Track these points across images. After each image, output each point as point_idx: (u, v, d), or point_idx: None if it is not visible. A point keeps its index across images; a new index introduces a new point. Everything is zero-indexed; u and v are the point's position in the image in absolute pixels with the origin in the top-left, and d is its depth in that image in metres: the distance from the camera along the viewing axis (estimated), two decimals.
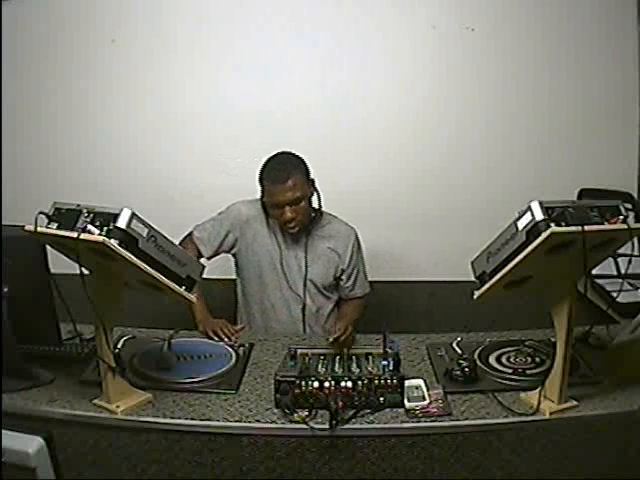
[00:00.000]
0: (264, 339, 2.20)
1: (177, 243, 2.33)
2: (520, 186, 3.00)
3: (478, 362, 1.90)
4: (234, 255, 2.42)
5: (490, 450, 1.68)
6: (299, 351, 1.89)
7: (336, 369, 1.81)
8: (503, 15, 3.07)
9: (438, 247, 3.15)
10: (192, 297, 1.69)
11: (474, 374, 1.83)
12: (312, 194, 2.30)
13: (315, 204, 2.35)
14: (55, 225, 1.55)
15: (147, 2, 3.14)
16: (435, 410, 1.69)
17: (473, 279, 1.70)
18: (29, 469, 1.11)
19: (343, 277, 2.41)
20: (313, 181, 2.30)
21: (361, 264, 2.45)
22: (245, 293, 2.44)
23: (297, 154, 2.29)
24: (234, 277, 2.51)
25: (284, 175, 2.19)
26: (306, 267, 2.34)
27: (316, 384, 1.69)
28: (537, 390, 1.71)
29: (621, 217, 1.55)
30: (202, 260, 2.38)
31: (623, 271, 2.59)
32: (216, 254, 2.39)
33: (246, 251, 2.38)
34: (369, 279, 2.51)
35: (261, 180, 2.25)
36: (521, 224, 1.53)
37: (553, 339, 1.74)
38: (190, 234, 2.39)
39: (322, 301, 2.42)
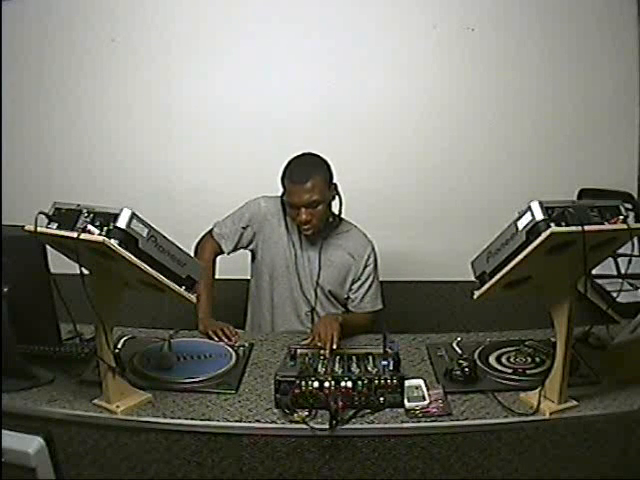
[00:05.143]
0: (264, 339, 2.20)
1: (196, 241, 2.37)
2: (520, 186, 3.01)
3: (478, 362, 1.90)
4: (251, 251, 2.41)
5: (490, 450, 1.68)
6: (299, 351, 1.89)
7: (336, 369, 1.80)
8: (504, 15, 3.07)
9: (438, 247, 3.15)
10: (192, 297, 1.69)
11: (474, 374, 1.83)
12: (333, 198, 2.27)
13: (336, 209, 2.32)
14: (55, 225, 1.55)
15: (147, 2, 3.14)
16: (435, 410, 1.69)
17: (473, 279, 1.70)
18: (29, 469, 1.11)
19: (353, 287, 2.38)
20: (335, 186, 2.27)
21: (375, 278, 2.38)
22: (257, 289, 2.43)
23: (322, 156, 2.25)
24: (244, 277, 2.50)
25: (304, 176, 2.17)
26: (319, 271, 2.33)
27: (316, 384, 1.69)
28: (537, 390, 1.71)
29: (621, 217, 1.55)
30: (223, 255, 2.38)
31: (623, 271, 2.59)
32: (236, 249, 2.38)
33: (262, 247, 2.36)
34: None
35: (282, 178, 2.23)
36: (521, 224, 1.53)
37: (553, 339, 1.74)
38: (210, 231, 2.39)
39: (331, 310, 2.37)
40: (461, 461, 1.67)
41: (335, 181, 2.27)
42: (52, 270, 1.78)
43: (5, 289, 1.72)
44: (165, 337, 2.07)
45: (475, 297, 1.68)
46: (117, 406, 1.69)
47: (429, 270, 3.17)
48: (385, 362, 1.78)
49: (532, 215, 1.51)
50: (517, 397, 1.75)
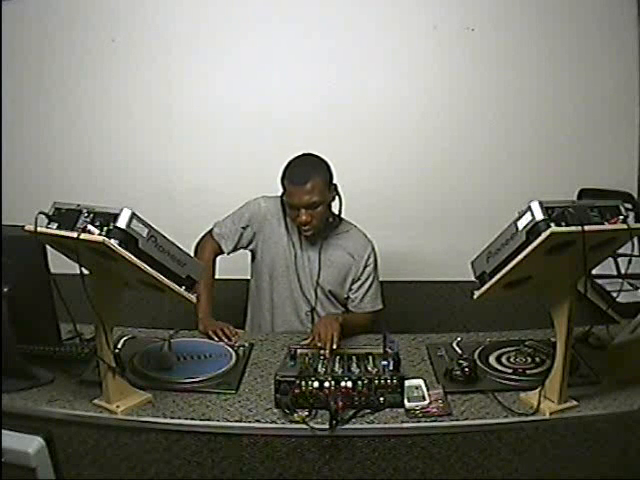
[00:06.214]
0: (264, 339, 2.20)
1: (196, 241, 2.37)
2: (520, 186, 3.01)
3: (478, 362, 1.90)
4: (251, 251, 2.41)
5: (490, 450, 1.68)
6: (299, 351, 1.89)
7: (336, 369, 1.81)
8: (504, 15, 3.07)
9: (438, 247, 3.15)
10: (192, 297, 1.69)
11: (474, 374, 1.83)
12: (333, 199, 2.27)
13: (336, 209, 2.32)
14: (55, 225, 1.55)
15: (147, 2, 3.14)
16: (435, 410, 1.69)
17: (473, 279, 1.70)
18: (29, 469, 1.11)
19: (353, 287, 2.37)
20: (335, 186, 2.26)
21: (374, 279, 2.38)
22: (257, 289, 2.43)
23: (322, 157, 2.25)
24: (244, 277, 2.49)
25: (304, 177, 2.17)
26: (319, 271, 2.32)
27: (316, 384, 1.69)
28: (537, 390, 1.71)
29: (621, 217, 1.55)
30: (223, 256, 2.38)
31: (623, 271, 2.59)
32: (236, 249, 2.38)
33: (262, 247, 2.36)
34: None
35: (282, 179, 2.22)
36: (521, 224, 1.53)
37: (553, 339, 1.74)
38: (210, 231, 2.38)
39: (331, 310, 2.37)
40: (461, 461, 1.67)
41: (335, 181, 2.27)
42: (52, 270, 1.79)
43: (5, 289, 1.72)
44: (165, 337, 2.07)
45: (475, 297, 1.68)
46: (117, 406, 1.69)
47: (429, 270, 3.18)
48: (385, 362, 1.78)
49: (532, 215, 1.51)
50: (517, 397, 1.75)
